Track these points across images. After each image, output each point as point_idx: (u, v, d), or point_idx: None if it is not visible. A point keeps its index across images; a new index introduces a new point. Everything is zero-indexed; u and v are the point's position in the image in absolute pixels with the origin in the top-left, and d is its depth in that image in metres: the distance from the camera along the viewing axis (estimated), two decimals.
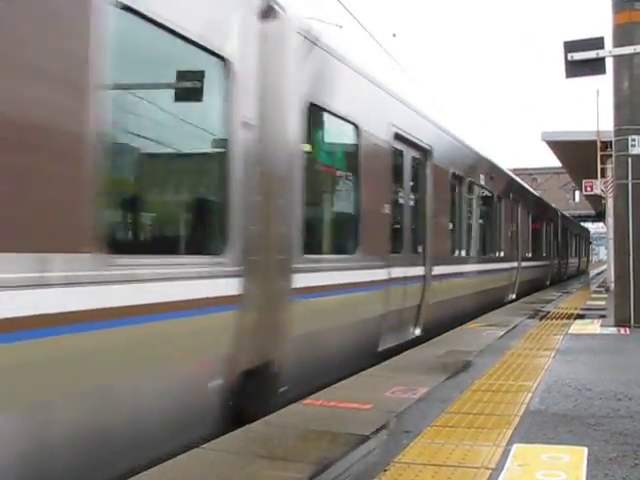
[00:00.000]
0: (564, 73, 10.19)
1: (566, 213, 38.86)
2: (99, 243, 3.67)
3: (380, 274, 7.93)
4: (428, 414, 4.81)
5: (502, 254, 16.18)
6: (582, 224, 50.38)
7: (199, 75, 4.98)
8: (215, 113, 5.10)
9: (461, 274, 12.02)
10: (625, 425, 4.53)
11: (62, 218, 3.52)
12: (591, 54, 9.91)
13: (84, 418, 3.64)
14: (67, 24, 3.57)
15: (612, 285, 13.28)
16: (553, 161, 27.24)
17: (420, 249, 9.72)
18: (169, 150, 4.93)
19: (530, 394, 5.50)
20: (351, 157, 7.50)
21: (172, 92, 4.95)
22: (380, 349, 8.01)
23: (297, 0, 6.11)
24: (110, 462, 3.81)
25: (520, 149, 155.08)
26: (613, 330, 10.07)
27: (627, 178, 10.32)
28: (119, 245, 3.96)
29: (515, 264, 18.04)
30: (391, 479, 3.49)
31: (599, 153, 19.23)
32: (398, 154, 8.88)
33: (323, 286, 6.47)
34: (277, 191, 5.59)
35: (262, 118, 5.38)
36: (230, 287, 4.94)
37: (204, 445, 4.06)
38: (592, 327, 10.57)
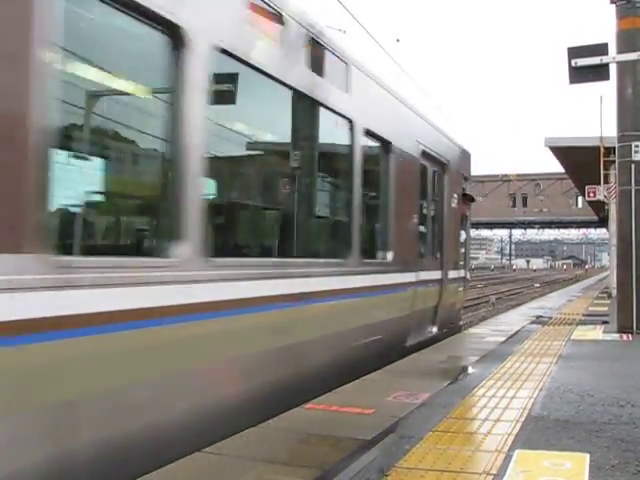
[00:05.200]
0: (568, 79, 10.21)
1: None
2: None
3: None
4: (430, 419, 4.80)
5: None
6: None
7: None
8: None
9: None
10: (627, 432, 4.52)
11: None
12: (595, 60, 9.92)
13: None
14: None
15: (614, 291, 13.25)
16: (556, 167, 27.26)
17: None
18: None
19: (532, 400, 5.49)
20: None
21: None
22: None
23: None
24: None
25: (523, 155, 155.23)
26: (615, 336, 10.06)
27: (630, 184, 10.32)
28: None
29: None
30: None
31: (602, 159, 19.22)
32: None
33: None
34: None
35: None
36: None
37: (206, 449, 4.06)
38: (594, 333, 10.55)
